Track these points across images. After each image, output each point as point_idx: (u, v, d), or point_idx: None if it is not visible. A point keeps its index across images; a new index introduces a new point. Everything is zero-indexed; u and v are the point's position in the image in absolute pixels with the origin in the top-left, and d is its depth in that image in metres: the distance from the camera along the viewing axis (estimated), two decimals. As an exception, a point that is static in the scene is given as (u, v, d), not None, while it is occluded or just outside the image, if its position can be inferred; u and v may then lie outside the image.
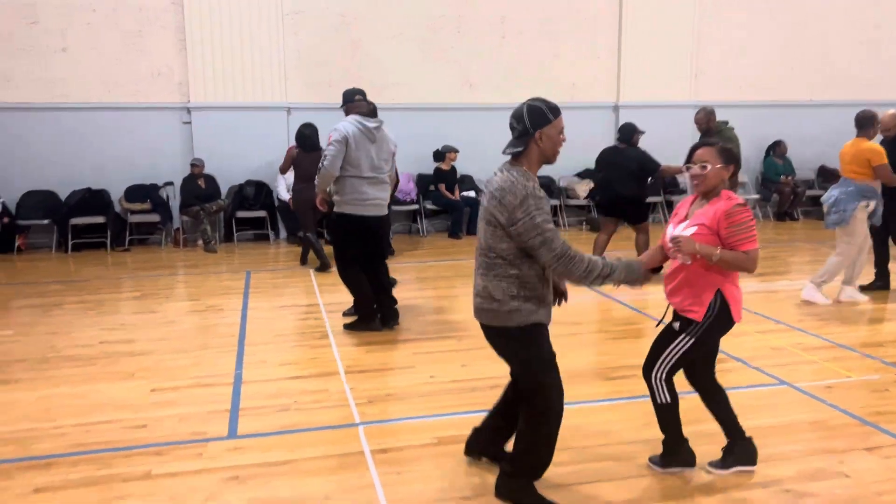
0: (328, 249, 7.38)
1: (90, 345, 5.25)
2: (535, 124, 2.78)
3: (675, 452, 3.23)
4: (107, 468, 3.34)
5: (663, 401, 3.13)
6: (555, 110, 2.82)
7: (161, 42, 9.63)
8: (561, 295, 3.16)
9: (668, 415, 3.17)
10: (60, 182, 9.44)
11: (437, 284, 7.24)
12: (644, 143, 7.66)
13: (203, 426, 3.79)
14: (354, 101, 5.41)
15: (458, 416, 3.83)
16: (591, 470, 3.27)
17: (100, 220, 9.21)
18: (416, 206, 10.38)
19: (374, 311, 5.46)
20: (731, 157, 3.02)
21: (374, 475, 3.23)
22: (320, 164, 5.17)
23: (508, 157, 2.87)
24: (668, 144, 8.77)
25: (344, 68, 10.18)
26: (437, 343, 5.17)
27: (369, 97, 10.37)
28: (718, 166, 2.96)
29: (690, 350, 3.04)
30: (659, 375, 3.10)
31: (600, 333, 5.53)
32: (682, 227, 3.04)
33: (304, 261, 8.24)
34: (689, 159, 3.04)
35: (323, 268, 7.68)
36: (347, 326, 5.53)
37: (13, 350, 5.14)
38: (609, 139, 11.43)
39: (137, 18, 9.52)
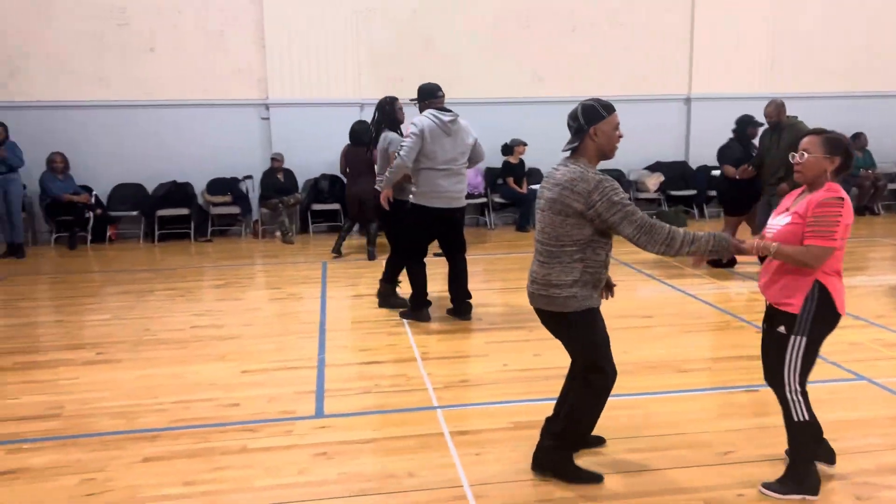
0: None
1: (182, 329, 5.59)
2: (588, 121, 2.94)
3: (801, 479, 2.98)
4: (206, 441, 3.60)
5: (801, 418, 2.94)
6: (608, 107, 2.97)
7: (242, 41, 10.02)
8: (609, 289, 3.29)
9: (803, 434, 2.97)
10: (148, 175, 9.95)
11: (505, 276, 7.35)
12: (717, 137, 7.59)
13: (291, 406, 4.03)
14: (437, 97, 5.54)
15: (533, 403, 3.96)
16: (668, 457, 3.34)
17: (184, 211, 9.69)
18: (483, 200, 10.52)
19: (426, 303, 5.65)
20: (836, 147, 2.87)
21: (454, 455, 3.39)
22: (396, 156, 5.35)
23: (567, 155, 3.03)
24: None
25: (415, 64, 10.37)
26: (508, 333, 5.31)
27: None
28: (819, 155, 2.85)
29: (808, 350, 2.89)
30: (793, 388, 2.93)
31: (673, 327, 5.55)
32: (780, 217, 2.97)
33: (371, 256, 8.43)
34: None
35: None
36: (402, 315, 5.73)
37: (112, 333, 5.52)
38: (681, 132, 11.34)
39: (220, 19, 9.93)
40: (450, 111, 5.48)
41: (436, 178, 5.30)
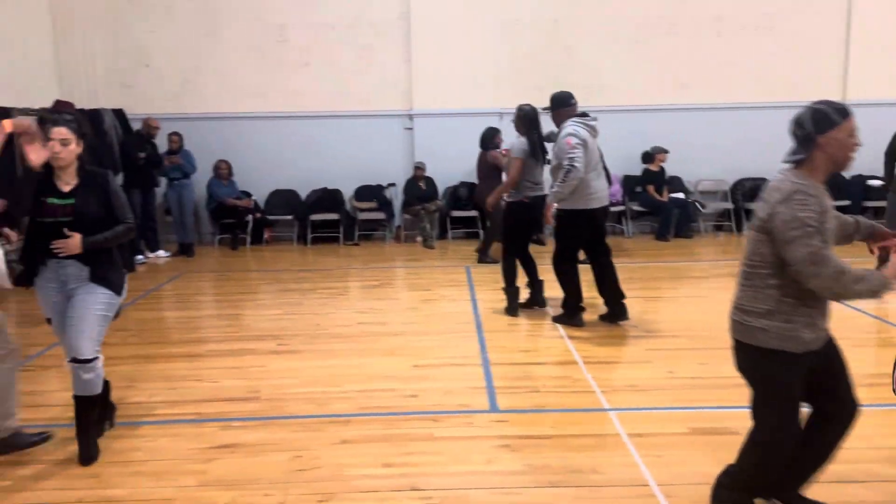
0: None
1: (349, 325, 5.96)
2: (819, 128, 2.54)
3: None
4: (394, 428, 3.86)
5: None
6: (842, 111, 2.54)
7: (389, 54, 10.50)
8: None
9: None
10: (301, 182, 10.60)
11: (647, 286, 7.30)
12: (874, 145, 7.21)
13: (466, 399, 4.24)
14: (570, 105, 5.64)
15: (707, 411, 3.97)
16: (853, 471, 3.28)
17: (334, 216, 10.24)
18: (621, 207, 10.46)
19: (581, 308, 5.72)
20: None
21: (635, 455, 3.47)
22: (567, 167, 5.32)
23: (787, 166, 2.66)
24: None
25: (555, 73, 10.47)
26: (666, 341, 5.30)
27: (581, 100, 10.65)
28: None
29: None
30: None
31: (842, 341, 5.34)
32: None
33: (482, 258, 8.61)
34: None
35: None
36: (555, 318, 5.83)
37: (287, 326, 5.97)
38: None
39: (369, 34, 10.45)
40: (587, 115, 5.55)
41: (590, 181, 5.42)
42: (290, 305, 6.72)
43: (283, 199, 10.58)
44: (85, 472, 3.44)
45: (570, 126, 5.44)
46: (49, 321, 3.61)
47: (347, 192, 10.58)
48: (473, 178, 10.55)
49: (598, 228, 5.68)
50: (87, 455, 3.52)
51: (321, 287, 7.48)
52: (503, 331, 5.72)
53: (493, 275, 7.89)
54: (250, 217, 10.15)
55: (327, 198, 10.37)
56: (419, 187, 10.22)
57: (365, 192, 10.50)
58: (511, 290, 6.23)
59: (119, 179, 9.20)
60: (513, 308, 6.18)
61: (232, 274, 8.45)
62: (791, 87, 10.51)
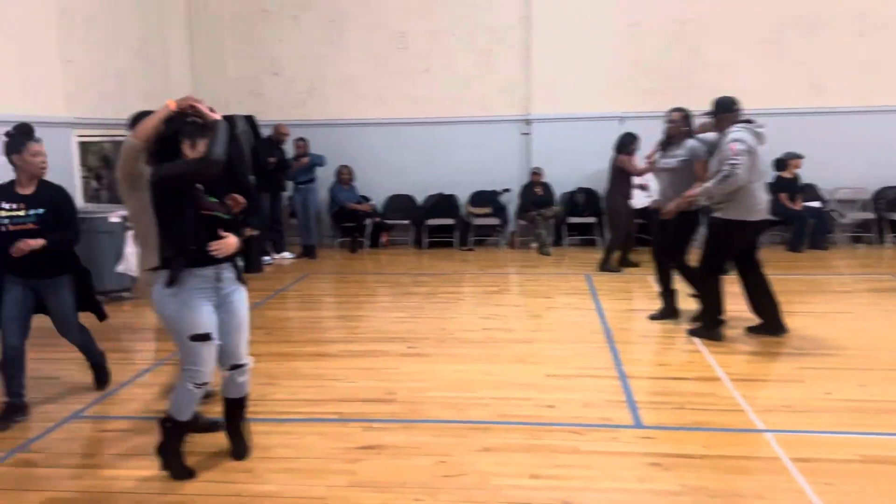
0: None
1: (475, 330, 5.93)
2: None
3: None
4: (536, 438, 3.78)
5: None
6: None
7: (507, 59, 10.45)
8: None
9: None
10: (418, 187, 10.71)
11: (787, 299, 6.77)
12: None
13: (607, 413, 4.10)
14: (734, 110, 5.37)
15: (879, 437, 3.67)
16: None
17: (449, 221, 10.28)
18: (749, 217, 9.94)
19: (721, 321, 5.43)
20: None
21: (802, 482, 3.23)
22: (726, 172, 5.07)
23: None
24: None
25: (681, 76, 10.13)
26: (819, 359, 4.95)
27: (706, 104, 10.23)
28: None
29: None
30: None
31: None
32: None
33: (602, 266, 8.38)
34: None
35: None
36: (692, 332, 5.56)
37: (415, 329, 6.00)
38: None
39: (489, 39, 10.45)
40: (752, 121, 5.27)
41: (758, 192, 5.16)
42: (413, 308, 6.77)
43: (400, 204, 10.72)
44: (238, 467, 3.54)
45: (736, 131, 5.17)
46: (201, 338, 3.23)
47: (463, 197, 10.60)
48: (590, 184, 10.37)
49: (754, 241, 5.39)
50: (240, 451, 3.62)
51: (441, 291, 7.50)
52: (636, 342, 5.53)
53: (615, 283, 7.70)
54: (369, 221, 10.35)
55: (443, 203, 10.43)
56: (535, 193, 10.11)
57: (480, 198, 10.48)
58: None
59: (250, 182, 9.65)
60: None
61: (353, 276, 8.61)
62: (942, 89, 9.74)
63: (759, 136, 5.18)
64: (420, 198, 10.68)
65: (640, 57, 10.20)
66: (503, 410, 4.17)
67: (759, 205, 5.21)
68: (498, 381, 4.68)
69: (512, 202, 10.53)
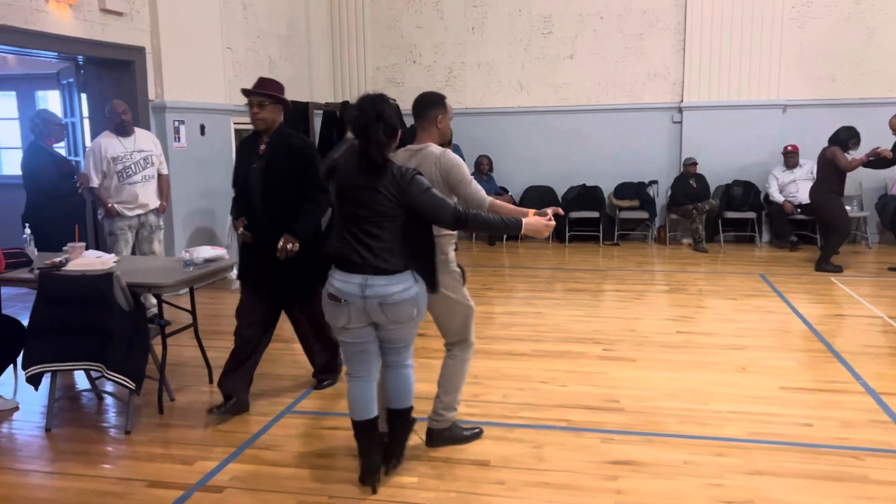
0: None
1: (668, 333, 5.50)
2: None
3: None
4: (810, 462, 3.33)
5: None
6: None
7: (660, 44, 9.89)
8: None
9: None
10: (557, 178, 10.31)
11: None
12: None
13: (880, 436, 3.61)
14: None
15: None
16: None
17: (594, 214, 9.82)
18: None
19: None
20: None
21: None
22: None
23: None
24: None
25: (852, 61, 9.34)
26: None
27: (871, 91, 9.40)
28: None
29: None
30: None
31: None
32: None
33: (819, 267, 7.76)
34: None
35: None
36: None
37: (602, 329, 5.61)
38: None
39: (640, 22, 9.91)
40: None
41: None
42: (587, 307, 6.39)
43: (538, 196, 10.33)
44: (487, 477, 3.27)
45: None
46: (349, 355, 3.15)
47: (607, 189, 10.12)
48: (748, 177, 9.71)
49: None
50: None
51: (606, 288, 7.10)
52: (862, 353, 4.95)
53: (800, 285, 7.09)
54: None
55: (586, 195, 9.98)
56: (690, 185, 9.53)
57: (626, 190, 9.97)
58: None
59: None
60: None
61: (501, 270, 8.30)
62: None
63: None
64: (560, 190, 10.27)
65: (807, 40, 9.44)
66: (754, 427, 3.74)
67: None
68: (730, 393, 4.24)
69: (660, 195, 10.00)
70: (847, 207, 9.27)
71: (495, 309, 6.43)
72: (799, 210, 9.02)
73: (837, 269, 7.64)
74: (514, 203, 9.97)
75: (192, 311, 4.41)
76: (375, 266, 2.95)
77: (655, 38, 9.90)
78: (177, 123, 7.02)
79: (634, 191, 9.93)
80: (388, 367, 3.26)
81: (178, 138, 7.03)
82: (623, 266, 8.33)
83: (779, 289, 6.92)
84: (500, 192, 10.13)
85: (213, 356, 4.78)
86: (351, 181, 2.99)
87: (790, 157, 9.14)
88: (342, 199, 3.03)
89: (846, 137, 7.74)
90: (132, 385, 3.72)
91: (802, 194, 8.94)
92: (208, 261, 4.29)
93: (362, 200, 2.97)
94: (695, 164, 9.53)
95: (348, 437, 3.37)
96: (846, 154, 7.73)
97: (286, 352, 5.16)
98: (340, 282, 3.00)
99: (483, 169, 10.01)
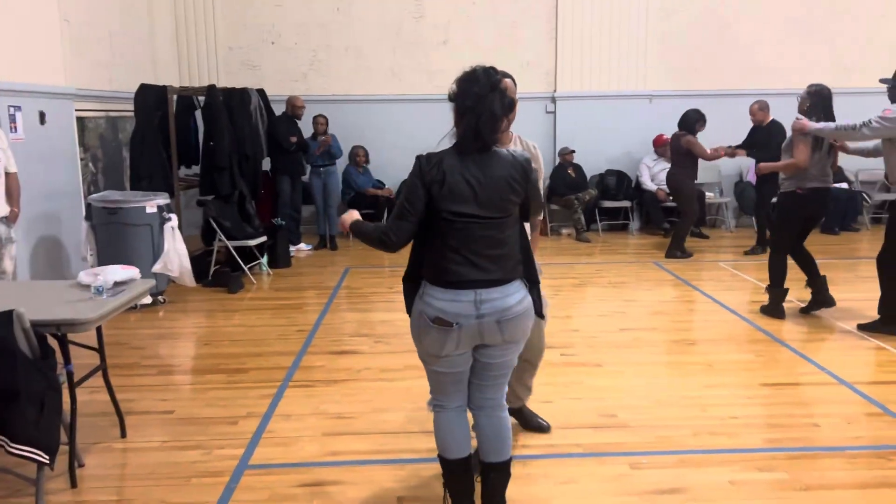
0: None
1: (612, 331, 5.29)
2: None
3: None
4: (856, 469, 3.19)
5: None
6: None
7: (533, 32, 9.76)
8: None
9: None
10: (436, 169, 9.88)
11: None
12: None
13: (885, 430, 3.57)
14: None
15: None
16: None
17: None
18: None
19: None
20: None
21: None
22: (856, 125, 4.80)
23: None
24: None
25: (710, 53, 9.81)
26: None
27: (733, 83, 9.96)
28: None
29: None
30: None
31: None
32: None
33: (670, 253, 8.02)
34: None
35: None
36: (862, 326, 5.17)
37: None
38: None
39: (513, 9, 9.71)
40: None
41: None
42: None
43: (416, 188, 9.85)
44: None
45: None
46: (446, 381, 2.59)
47: (487, 180, 9.86)
48: (620, 166, 9.90)
49: None
50: None
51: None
52: (809, 341, 5.01)
53: (699, 272, 7.23)
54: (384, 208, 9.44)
55: (468, 186, 9.63)
56: (569, 175, 9.51)
57: (506, 181, 9.76)
58: (777, 290, 5.56)
59: (265, 166, 8.52)
60: (777, 310, 5.53)
61: (399, 270, 7.71)
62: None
63: None
64: (440, 181, 9.85)
65: (670, 33, 9.77)
66: (767, 433, 3.56)
67: None
68: (717, 395, 4.05)
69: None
70: (709, 194, 9.82)
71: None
72: (670, 197, 9.32)
73: (688, 255, 7.93)
74: (392, 196, 9.39)
75: (101, 350, 3.42)
76: (487, 278, 2.42)
77: (528, 26, 9.75)
78: (12, 110, 5.66)
79: (513, 181, 9.74)
80: (482, 408, 2.67)
81: (15, 128, 5.67)
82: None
83: (681, 276, 7.01)
84: (378, 185, 9.51)
85: (125, 399, 3.80)
86: (465, 176, 2.42)
87: (661, 148, 9.41)
88: (453, 199, 2.41)
89: (694, 120, 8.01)
90: (45, 458, 2.75)
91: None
92: (119, 284, 3.35)
93: (484, 197, 2.41)
94: (572, 153, 9.53)
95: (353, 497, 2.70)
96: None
97: (208, 387, 4.26)
98: (447, 301, 2.42)
99: (359, 161, 9.32)
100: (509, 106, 2.54)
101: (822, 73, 9.88)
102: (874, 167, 9.94)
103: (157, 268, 5.82)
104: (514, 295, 2.45)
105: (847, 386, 4.15)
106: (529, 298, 2.51)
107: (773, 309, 5.55)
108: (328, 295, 6.55)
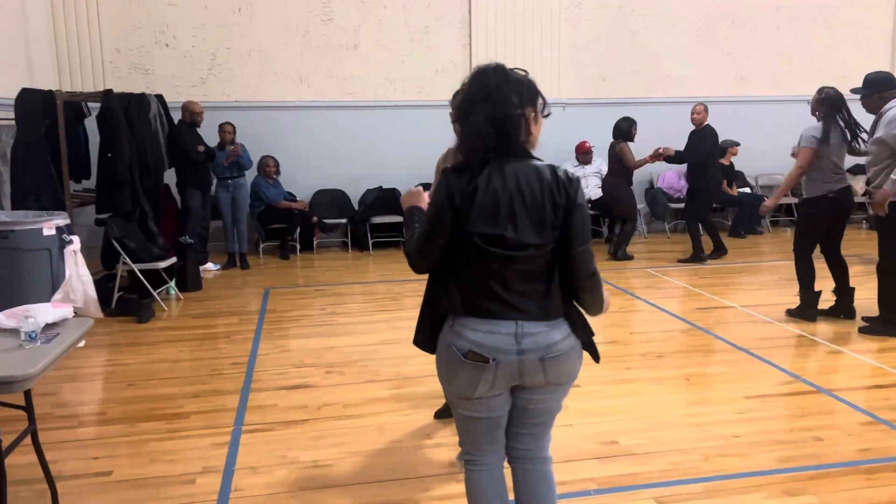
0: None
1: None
2: None
3: None
4: (879, 486, 3.08)
5: None
6: None
7: (447, 38, 9.51)
8: None
9: None
10: (352, 180, 9.41)
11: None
12: None
13: (886, 440, 3.52)
14: (888, 87, 4.99)
15: None
16: None
17: (397, 219, 9.10)
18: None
19: None
20: None
21: None
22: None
23: None
24: None
25: (619, 62, 9.95)
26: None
27: (641, 91, 10.15)
28: None
29: None
30: None
31: None
32: None
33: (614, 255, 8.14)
34: None
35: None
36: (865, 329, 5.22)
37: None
38: (878, 133, 10.92)
39: (426, 14, 9.42)
40: None
41: None
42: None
43: (329, 200, 9.33)
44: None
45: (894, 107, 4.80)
46: (480, 425, 2.17)
47: (404, 189, 9.48)
48: (537, 175, 9.81)
49: None
50: None
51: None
52: (769, 347, 4.98)
53: (630, 279, 7.18)
54: (311, 221, 8.88)
55: (386, 198, 9.22)
56: (489, 185, 9.30)
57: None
58: (809, 292, 5.51)
59: (168, 178, 7.72)
60: (808, 314, 5.51)
61: (326, 289, 7.15)
62: (842, 81, 10.52)
63: None
64: (355, 193, 9.38)
65: (580, 41, 9.83)
66: (778, 451, 3.40)
67: None
68: (709, 412, 3.89)
69: (455, 195, 9.62)
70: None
71: (355, 342, 5.37)
72: (590, 205, 9.34)
73: (630, 258, 8.08)
74: (307, 209, 8.84)
75: (29, 408, 2.76)
76: (527, 310, 2.02)
77: (442, 32, 9.49)
78: None
79: (431, 191, 9.42)
80: (520, 460, 2.26)
81: None
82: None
83: (617, 285, 6.95)
84: (289, 197, 8.91)
85: (56, 459, 3.11)
86: (498, 192, 2.00)
87: (584, 155, 9.41)
88: (484, 220, 2.00)
89: (627, 127, 8.11)
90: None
91: (593, 190, 9.27)
92: (51, 326, 2.73)
93: (520, 219, 2.00)
94: (493, 162, 9.33)
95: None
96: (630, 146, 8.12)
97: (147, 439, 3.62)
98: (483, 333, 2.01)
99: (269, 171, 8.68)
100: (532, 96, 2.09)
101: (722, 83, 10.32)
102: (773, 171, 10.45)
103: (57, 297, 5.05)
104: (560, 329, 2.07)
105: (826, 393, 4.12)
106: (575, 337, 2.11)
107: (804, 312, 5.52)
108: (254, 321, 5.95)
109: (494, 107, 2.00)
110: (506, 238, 1.99)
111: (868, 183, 5.09)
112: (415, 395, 4.19)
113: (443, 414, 3.83)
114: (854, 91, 5.15)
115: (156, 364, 4.85)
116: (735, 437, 3.57)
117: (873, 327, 5.19)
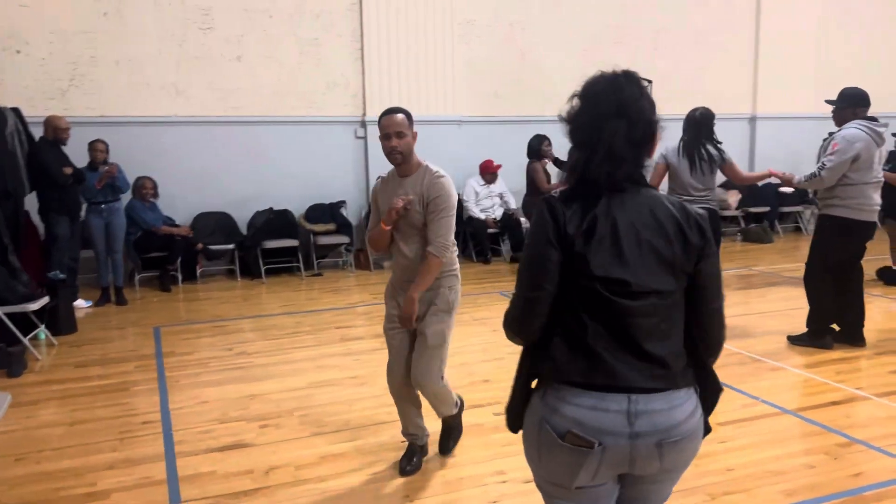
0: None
1: (487, 360, 4.76)
2: None
3: None
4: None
5: None
6: None
7: (338, 51, 9.04)
8: None
9: None
10: (238, 202, 8.65)
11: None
12: (781, 154, 7.63)
13: (876, 462, 3.49)
14: (861, 106, 5.07)
15: None
16: None
17: (292, 243, 8.45)
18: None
19: (830, 331, 5.24)
20: None
21: None
22: (817, 172, 4.89)
23: None
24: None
25: (511, 79, 9.92)
26: None
27: (533, 109, 10.19)
28: None
29: None
30: None
31: None
32: None
33: None
34: None
35: None
36: (795, 340, 5.30)
37: (455, 384, 4.57)
38: (744, 150, 11.63)
39: (315, 25, 8.90)
40: (876, 119, 5.02)
41: (865, 190, 4.94)
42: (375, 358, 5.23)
43: (213, 223, 8.52)
44: None
45: (850, 130, 4.89)
46: None
47: (298, 212, 8.86)
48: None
49: (862, 244, 5.11)
50: None
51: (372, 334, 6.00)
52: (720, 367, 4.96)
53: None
54: (196, 248, 8.04)
55: (277, 220, 8.55)
56: (388, 205, 8.88)
57: (318, 212, 8.86)
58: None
59: (28, 203, 6.67)
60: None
61: (225, 325, 6.42)
62: (712, 101, 11.09)
63: (877, 136, 4.92)
64: (243, 216, 8.63)
65: (474, 58, 9.70)
66: (780, 484, 3.27)
67: (868, 205, 4.96)
68: (695, 442, 3.72)
69: (350, 215, 9.12)
70: (523, 219, 9.86)
71: (281, 387, 4.77)
72: (496, 225, 9.22)
73: None
74: (191, 233, 8.01)
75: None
76: (643, 379, 1.64)
77: (332, 45, 9.01)
78: None
79: (329, 213, 8.88)
80: None
81: None
82: (363, 300, 7.28)
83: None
84: (168, 221, 8.03)
85: None
86: (618, 228, 1.64)
87: (490, 175, 9.23)
88: (603, 261, 1.63)
89: (537, 145, 8.09)
90: None
91: (497, 210, 9.16)
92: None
93: (645, 261, 1.64)
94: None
95: None
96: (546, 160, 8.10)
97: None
98: (587, 410, 1.61)
99: (146, 194, 7.78)
100: (642, 139, 1.73)
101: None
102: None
103: None
104: (683, 406, 1.69)
105: (792, 414, 4.09)
106: (701, 411, 1.76)
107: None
108: (152, 367, 5.17)
109: (632, 125, 1.63)
110: (628, 283, 1.62)
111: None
112: (374, 447, 3.70)
113: (406, 467, 3.39)
114: (828, 102, 5.25)
115: (44, 429, 4.02)
116: (729, 470, 3.41)
117: (801, 338, 5.31)
